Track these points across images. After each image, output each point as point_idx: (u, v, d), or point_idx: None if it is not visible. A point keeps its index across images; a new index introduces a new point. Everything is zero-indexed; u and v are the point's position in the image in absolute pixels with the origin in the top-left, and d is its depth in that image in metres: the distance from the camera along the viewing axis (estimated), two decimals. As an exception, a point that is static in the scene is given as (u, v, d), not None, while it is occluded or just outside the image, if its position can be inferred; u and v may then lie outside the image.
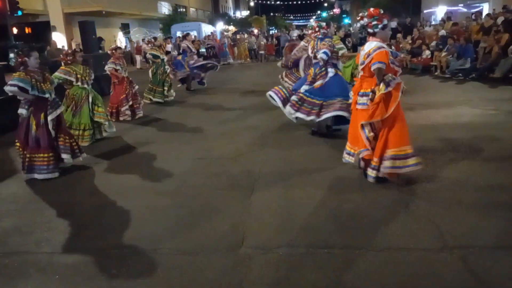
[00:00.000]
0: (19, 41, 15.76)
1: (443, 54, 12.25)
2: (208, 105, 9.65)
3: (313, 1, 59.10)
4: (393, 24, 16.56)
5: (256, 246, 3.28)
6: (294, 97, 6.08)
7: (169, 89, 10.59)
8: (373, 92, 4.12)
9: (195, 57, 11.44)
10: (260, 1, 56.16)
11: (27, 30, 21.20)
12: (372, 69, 4.02)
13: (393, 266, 2.90)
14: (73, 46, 17.90)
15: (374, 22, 4.16)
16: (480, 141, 5.55)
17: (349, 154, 4.55)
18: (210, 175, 4.96)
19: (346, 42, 14.23)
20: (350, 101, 5.61)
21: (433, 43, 13.25)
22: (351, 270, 2.89)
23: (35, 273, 3.12)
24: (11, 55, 12.63)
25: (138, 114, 8.65)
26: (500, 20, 11.63)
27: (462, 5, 20.99)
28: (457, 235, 3.25)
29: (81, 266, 3.17)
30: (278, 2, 59.54)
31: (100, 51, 15.20)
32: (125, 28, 28.17)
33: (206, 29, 28.41)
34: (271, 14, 55.03)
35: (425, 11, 25.73)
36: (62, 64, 6.68)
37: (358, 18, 4.58)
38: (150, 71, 10.35)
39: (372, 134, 4.15)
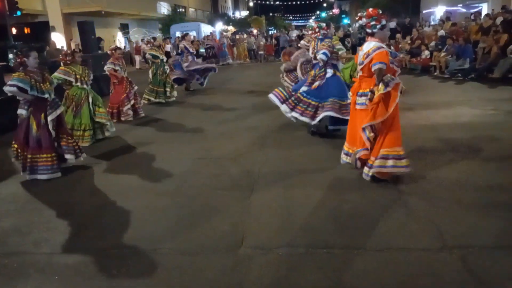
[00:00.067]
0: (18, 41, 15.75)
1: (442, 54, 12.26)
2: (207, 105, 9.65)
3: (312, 2, 59.18)
4: (392, 24, 16.57)
5: (256, 246, 3.28)
6: (292, 97, 6.12)
7: (172, 90, 10.60)
8: (372, 92, 4.12)
9: (190, 58, 11.38)
10: (259, 1, 56.20)
11: (26, 30, 21.18)
12: (373, 69, 4.02)
13: (393, 266, 2.90)
14: (72, 47, 17.89)
15: (373, 22, 4.17)
16: (480, 141, 5.55)
17: (346, 154, 4.56)
18: (210, 175, 4.96)
19: (346, 43, 14.27)
20: (348, 101, 5.66)
21: (432, 43, 13.27)
22: (350, 270, 2.89)
23: (35, 274, 3.12)
24: (11, 55, 12.62)
25: (140, 113, 8.66)
26: (499, 20, 11.64)
27: (461, 5, 21.03)
28: (457, 235, 3.25)
29: (81, 266, 3.17)
30: (277, 3, 59.58)
31: (100, 51, 15.20)
32: (124, 28, 28.16)
33: (206, 29, 28.42)
34: (270, 14, 55.05)
35: (424, 11, 25.76)
36: (61, 64, 6.68)
37: (357, 18, 4.59)
38: (150, 71, 10.32)
39: (372, 134, 4.16)
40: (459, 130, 6.17)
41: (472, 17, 14.72)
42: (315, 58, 6.17)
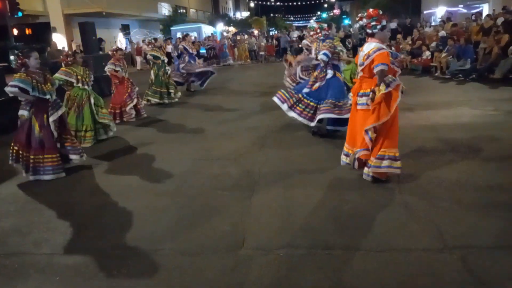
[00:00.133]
0: (20, 42, 15.77)
1: (443, 55, 12.26)
2: (208, 106, 9.66)
3: (313, 2, 59.19)
4: (393, 25, 16.56)
5: (256, 247, 3.29)
6: (293, 98, 6.14)
7: (176, 91, 10.62)
8: (373, 92, 4.13)
9: (187, 58, 11.39)
10: (260, 2, 56.22)
11: (27, 31, 21.21)
12: (375, 71, 4.02)
13: (393, 266, 2.90)
14: (74, 47, 17.92)
15: (373, 23, 4.17)
16: (480, 141, 5.55)
17: (346, 155, 4.56)
18: (210, 176, 4.96)
19: (347, 43, 14.25)
20: (346, 101, 5.69)
21: (433, 44, 13.26)
22: (350, 271, 2.89)
23: (35, 274, 3.12)
24: (12, 57, 12.64)
25: (142, 114, 8.67)
26: (500, 21, 11.64)
27: (462, 5, 21.01)
28: (457, 235, 3.25)
29: (81, 266, 3.18)
30: (278, 3, 59.58)
31: (101, 52, 15.22)
32: (125, 29, 28.19)
33: (206, 30, 28.43)
34: (271, 15, 55.07)
35: (425, 12, 25.74)
36: (63, 65, 6.70)
37: (357, 19, 4.59)
38: (152, 72, 10.26)
39: (375, 135, 4.15)
40: (459, 130, 6.17)
41: (473, 17, 14.70)
42: (317, 58, 6.19)
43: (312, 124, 6.05)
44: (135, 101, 8.43)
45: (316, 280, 2.82)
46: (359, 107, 4.28)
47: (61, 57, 6.96)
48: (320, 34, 6.28)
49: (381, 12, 4.25)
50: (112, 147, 6.54)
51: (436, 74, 12.38)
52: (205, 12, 44.68)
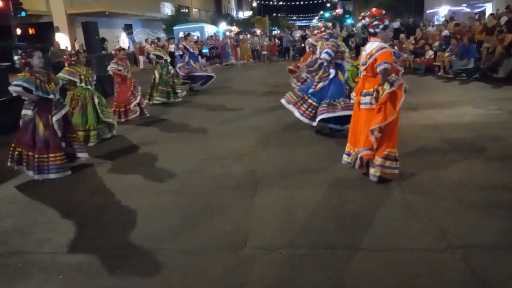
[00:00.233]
0: (23, 42, 15.83)
1: (446, 54, 12.22)
2: (211, 105, 9.66)
3: (315, 2, 59.10)
4: (396, 24, 16.53)
5: (259, 247, 3.29)
6: (299, 98, 6.20)
7: (182, 90, 10.66)
8: (377, 91, 4.11)
9: (187, 58, 11.38)
10: (262, 2, 56.19)
11: (30, 31, 21.29)
12: (378, 70, 4.01)
13: (395, 266, 2.90)
14: (77, 47, 17.97)
15: (376, 22, 4.16)
16: (483, 140, 5.54)
17: (348, 154, 4.55)
18: (213, 175, 4.97)
19: (350, 43, 14.25)
20: (347, 100, 5.73)
21: (436, 43, 13.23)
22: (352, 270, 2.89)
23: (38, 273, 3.13)
24: (16, 57, 12.69)
25: (145, 113, 8.68)
26: (503, 20, 11.60)
27: (465, 5, 20.93)
28: (459, 234, 3.24)
29: (84, 265, 3.19)
30: (280, 3, 59.54)
31: (103, 52, 15.24)
32: (128, 28, 28.24)
33: (209, 29, 28.44)
34: (274, 14, 55.03)
35: (427, 11, 25.67)
36: (66, 65, 6.72)
37: (360, 18, 4.58)
38: (156, 72, 10.21)
39: (380, 134, 4.14)
40: (462, 129, 6.16)
41: (477, 17, 14.66)
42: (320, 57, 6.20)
43: (314, 123, 6.09)
44: (138, 98, 8.44)
45: (318, 280, 2.82)
46: (362, 106, 4.26)
47: (65, 56, 6.98)
48: (324, 33, 6.29)
49: (383, 12, 4.25)
50: (114, 146, 6.56)
51: (439, 73, 12.35)
52: (208, 11, 44.70)
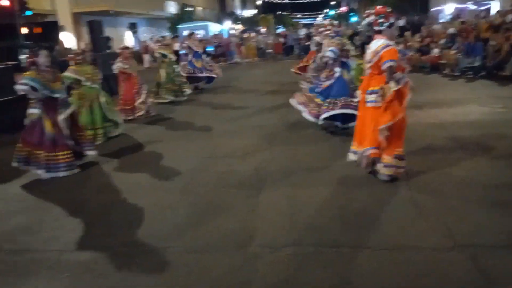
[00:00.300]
0: (29, 41, 15.90)
1: (452, 52, 12.15)
2: (215, 104, 9.67)
3: (320, -1, 58.86)
4: (401, 22, 16.45)
5: (264, 245, 3.29)
6: (307, 98, 6.23)
7: (189, 87, 10.69)
8: (382, 89, 4.09)
9: (189, 57, 11.37)
10: (267, 0, 56.04)
11: (36, 30, 21.37)
12: (383, 67, 4.00)
13: (401, 265, 2.89)
14: (82, 46, 18.02)
15: (381, 20, 4.14)
16: (489, 139, 5.50)
17: (354, 153, 4.54)
18: (218, 174, 4.97)
19: (354, 41, 14.18)
20: (349, 99, 5.74)
21: (442, 41, 13.15)
22: (358, 269, 2.89)
23: (45, 271, 3.16)
24: (22, 56, 12.75)
25: (151, 112, 8.69)
26: (509, 17, 11.52)
27: (471, 2, 20.80)
28: (466, 233, 3.23)
29: (90, 263, 3.21)
30: (285, 1, 59.33)
31: (108, 50, 15.27)
32: (133, 27, 28.28)
33: (214, 28, 28.42)
34: (279, 12, 54.87)
35: (433, 9, 25.54)
36: (71, 63, 6.75)
37: (364, 16, 4.56)
38: (163, 71, 10.20)
39: (388, 133, 4.12)
40: (468, 128, 6.12)
41: (482, 14, 14.56)
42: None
43: (320, 122, 6.10)
44: (143, 97, 8.46)
45: (323, 278, 2.82)
46: (368, 104, 4.24)
47: (70, 55, 7.01)
48: (331, 31, 6.29)
49: (389, 10, 4.23)
50: (120, 145, 6.58)
51: (445, 71, 12.28)
52: (212, 10, 44.67)
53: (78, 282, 3.00)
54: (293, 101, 6.56)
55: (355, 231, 3.39)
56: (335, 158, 5.14)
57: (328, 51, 5.91)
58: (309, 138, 6.24)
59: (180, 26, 26.12)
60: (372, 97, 4.20)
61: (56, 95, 5.14)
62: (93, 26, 13.51)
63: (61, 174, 5.15)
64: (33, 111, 5.13)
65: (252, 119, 7.91)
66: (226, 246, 3.32)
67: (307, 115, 6.24)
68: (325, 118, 6.03)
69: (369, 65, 4.25)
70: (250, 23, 39.52)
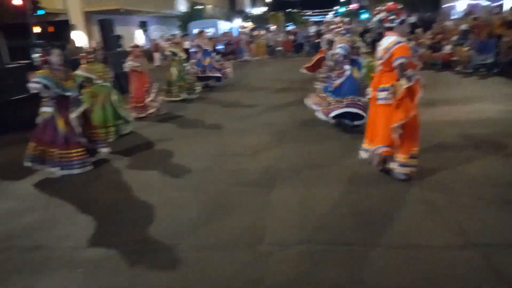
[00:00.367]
0: (41, 40, 16.06)
1: (465, 49, 12.01)
2: (225, 102, 9.69)
3: (330, -4, 58.51)
4: (412, 19, 16.29)
5: (275, 243, 3.30)
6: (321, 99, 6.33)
7: (199, 85, 10.75)
8: (394, 86, 4.06)
9: (198, 55, 11.38)
10: (277, -3, 55.86)
11: (49, 29, 21.58)
12: (394, 64, 3.97)
13: (413, 263, 2.88)
14: (93, 44, 18.16)
15: (392, 17, 4.11)
16: (502, 137, 5.44)
17: (365, 150, 4.52)
18: (228, 172, 4.99)
19: (364, 38, 14.09)
20: (357, 98, 5.74)
21: (454, 38, 13.00)
22: (370, 267, 2.88)
23: (59, 267, 3.20)
24: (35, 55, 12.90)
25: (161, 110, 8.74)
26: (523, 13, 11.34)
27: (483, -2, 20.52)
28: (479, 232, 3.20)
29: (103, 260, 3.24)
30: (295, -2, 59.09)
31: (119, 49, 15.36)
32: (143, 25, 28.41)
33: (224, 26, 28.45)
34: (288, 10, 54.69)
35: (444, 6, 25.25)
36: (83, 62, 6.81)
37: (375, 13, 4.53)
38: (173, 69, 10.23)
39: (401, 131, 4.09)
40: (480, 125, 6.05)
41: (495, 11, 14.35)
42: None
43: (330, 120, 6.11)
44: (152, 96, 8.50)
45: (335, 276, 2.81)
46: (379, 102, 4.21)
47: (82, 54, 7.07)
48: (342, 28, 6.27)
49: (400, 6, 4.19)
50: (131, 143, 6.63)
51: (457, 68, 12.15)
52: (222, 8, 44.68)
53: (91, 279, 3.04)
54: (308, 101, 6.61)
55: (366, 229, 3.38)
56: (346, 156, 5.12)
57: (338, 48, 5.89)
58: (319, 136, 6.23)
59: (190, 24, 26.19)
60: (383, 94, 4.18)
61: (68, 94, 5.19)
62: (104, 24, 13.59)
63: (75, 171, 5.21)
64: (46, 109, 5.19)
65: (262, 117, 7.91)
66: (237, 244, 3.33)
67: (320, 115, 6.27)
68: (334, 117, 6.03)
69: (380, 62, 4.22)
70: (259, 21, 39.47)
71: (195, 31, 13.79)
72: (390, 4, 4.23)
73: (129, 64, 8.39)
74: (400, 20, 4.10)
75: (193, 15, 30.48)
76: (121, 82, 10.81)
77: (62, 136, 5.15)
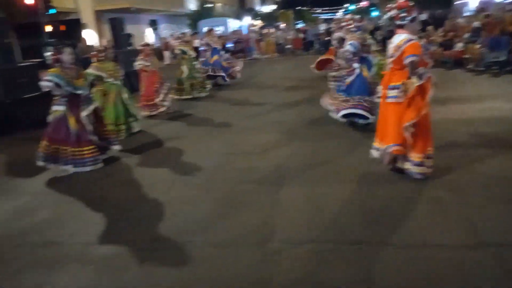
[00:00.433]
0: (53, 39, 16.22)
1: (477, 46, 11.87)
2: (235, 100, 9.70)
3: (340, -6, 58.19)
4: (424, 16, 16.15)
5: (285, 241, 3.30)
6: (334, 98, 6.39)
7: (209, 83, 10.80)
8: (404, 84, 4.03)
9: (207, 54, 11.40)
10: (286, -5, 55.68)
11: (61, 28, 21.79)
12: (405, 62, 3.94)
13: (424, 262, 2.86)
14: (104, 43, 18.28)
15: (403, 14, 4.07)
16: (515, 135, 5.38)
17: (376, 149, 4.49)
18: (238, 170, 5.00)
19: (375, 36, 14.00)
20: (366, 98, 5.73)
21: (466, 35, 12.86)
22: (380, 267, 2.87)
23: (71, 263, 3.24)
24: (47, 53, 13.01)
25: (171, 109, 8.78)
26: (537, 10, 11.17)
27: (496, -5, 20.24)
28: (491, 231, 3.17)
29: (114, 257, 3.28)
30: (305, -4, 58.87)
31: (130, 47, 15.45)
32: (154, 24, 28.55)
33: (233, 24, 28.46)
34: (298, 8, 54.50)
35: (456, 3, 24.97)
36: (94, 61, 6.87)
37: (386, 10, 4.49)
38: (184, 68, 10.24)
39: (413, 129, 4.05)
40: (493, 124, 5.98)
41: (508, 7, 14.14)
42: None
43: (341, 119, 6.10)
44: (162, 96, 8.53)
45: (344, 275, 2.81)
46: (389, 100, 4.17)
47: (93, 53, 7.13)
48: (352, 25, 6.25)
49: (411, 4, 4.15)
50: (141, 141, 6.68)
51: (469, 66, 12.02)
52: (232, 6, 44.69)
53: (102, 275, 3.07)
54: (323, 102, 6.65)
55: (376, 228, 3.37)
56: (355, 155, 5.11)
57: (348, 45, 5.86)
58: (329, 134, 6.21)
59: (200, 22, 26.25)
60: (393, 93, 4.15)
61: (79, 92, 5.24)
62: (115, 23, 13.69)
63: (87, 168, 5.26)
64: (58, 108, 5.24)
65: (272, 115, 7.90)
66: (247, 242, 3.34)
67: (334, 115, 6.29)
68: (344, 116, 6.03)
69: (390, 60, 4.19)
70: (269, 19, 39.42)
71: (205, 29, 13.83)
72: (401, 1, 4.19)
73: (139, 64, 8.43)
74: (411, 17, 4.07)
75: (203, 13, 30.54)
76: (131, 80, 10.88)
77: (74, 134, 5.20)
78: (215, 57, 11.48)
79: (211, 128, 7.32)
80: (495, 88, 8.83)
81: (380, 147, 4.37)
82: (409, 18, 4.06)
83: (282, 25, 30.03)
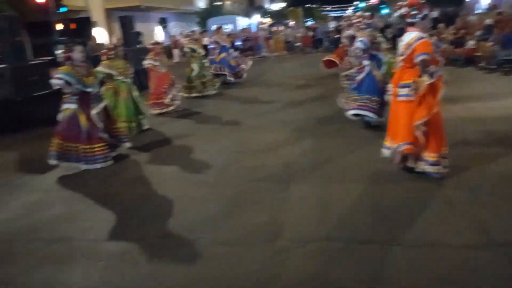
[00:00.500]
0: (64, 37, 16.36)
1: (488, 44, 11.73)
2: (244, 98, 9.69)
3: (350, -9, 57.90)
4: (435, 14, 15.99)
5: (294, 239, 3.30)
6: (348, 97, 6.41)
7: (218, 81, 10.82)
8: (415, 82, 4.00)
9: (217, 51, 11.40)
10: (296, -7, 55.50)
11: (72, 26, 21.96)
12: (416, 60, 3.91)
13: (434, 262, 2.84)
14: (114, 41, 18.38)
15: (414, 12, 4.04)
16: (528, 134, 5.31)
17: (387, 148, 4.46)
18: (248, 168, 5.00)
19: (385, 34, 13.92)
20: (373, 98, 5.71)
21: (478, 33, 12.71)
22: (390, 266, 2.85)
23: (81, 259, 3.28)
24: (58, 51, 13.13)
25: (180, 107, 8.80)
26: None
27: (508, -8, 19.97)
28: (502, 231, 3.14)
29: (124, 253, 3.30)
30: (314, -7, 58.60)
31: (139, 45, 15.52)
32: (163, 22, 28.64)
33: (242, 22, 28.45)
34: (307, 5, 54.29)
35: (468, 0, 24.69)
36: (104, 58, 6.91)
37: (396, 8, 4.46)
38: (194, 66, 10.22)
39: (424, 128, 4.02)
40: (505, 122, 5.91)
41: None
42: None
43: (351, 117, 6.09)
44: (171, 96, 8.54)
45: (353, 274, 2.80)
46: (400, 98, 4.14)
47: (103, 51, 7.17)
48: (361, 23, 6.22)
49: (422, 1, 4.11)
50: (150, 139, 6.71)
51: (481, 64, 11.88)
52: (241, 4, 44.65)
53: (112, 271, 3.09)
54: (339, 101, 6.67)
55: (386, 227, 3.35)
56: (366, 153, 5.08)
57: (358, 42, 5.83)
58: (338, 132, 6.19)
59: (209, 20, 26.27)
60: (404, 91, 4.11)
61: (89, 90, 5.28)
62: (125, 21, 13.75)
63: (98, 165, 5.31)
64: (69, 106, 5.28)
65: (280, 113, 7.89)
66: (256, 239, 3.34)
67: (348, 113, 6.25)
68: (355, 114, 6.02)
69: (401, 58, 4.16)
70: (278, 17, 39.32)
71: (214, 27, 13.84)
72: (412, -2, 4.16)
73: (148, 62, 8.44)
74: (422, 15, 4.03)
75: (212, 11, 30.57)
76: (140, 78, 10.92)
77: (85, 131, 5.25)
78: (222, 55, 11.46)
79: (219, 126, 7.33)
80: (507, 86, 8.73)
81: (391, 145, 4.33)
82: (420, 15, 4.02)
83: (291, 23, 29.95)
